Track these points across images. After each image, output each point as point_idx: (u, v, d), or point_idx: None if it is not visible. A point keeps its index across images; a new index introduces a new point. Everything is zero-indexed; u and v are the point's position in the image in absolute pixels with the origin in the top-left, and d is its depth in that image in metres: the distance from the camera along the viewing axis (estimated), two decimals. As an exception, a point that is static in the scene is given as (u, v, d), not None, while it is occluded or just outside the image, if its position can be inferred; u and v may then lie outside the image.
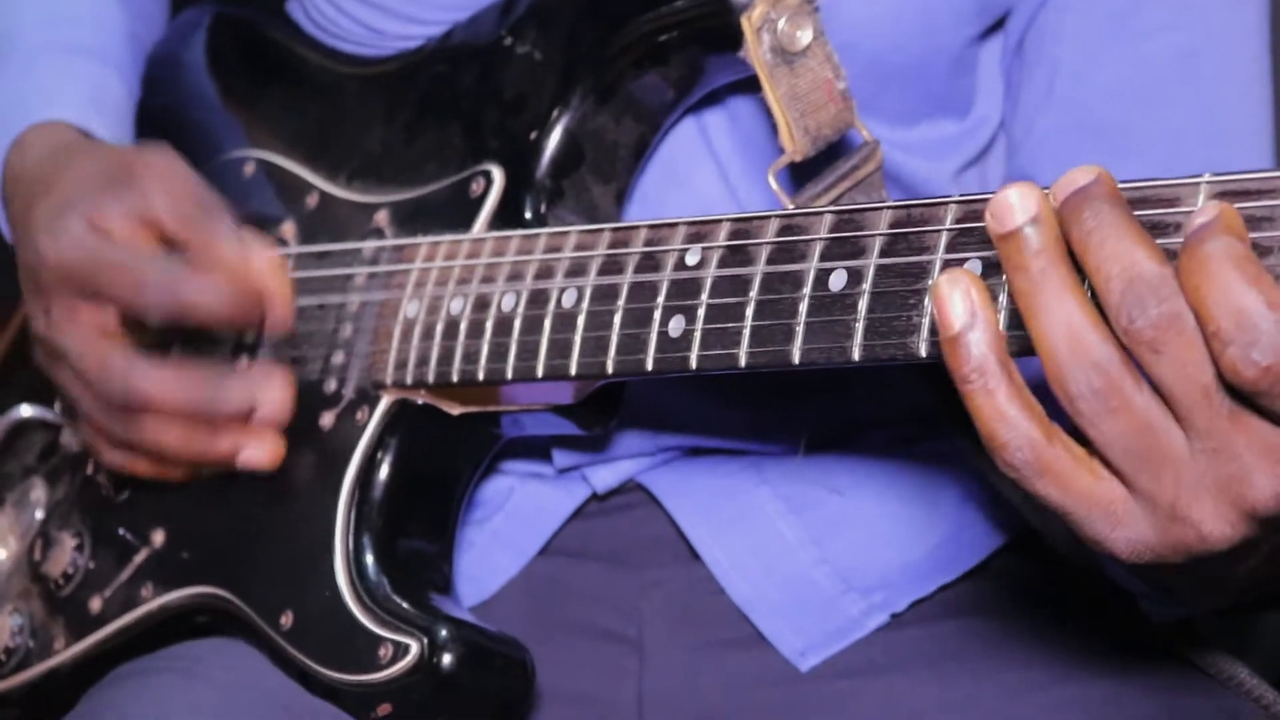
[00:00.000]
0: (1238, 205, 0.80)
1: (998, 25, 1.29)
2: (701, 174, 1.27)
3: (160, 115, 1.47)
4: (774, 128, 1.14)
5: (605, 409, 1.17)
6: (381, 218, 1.26)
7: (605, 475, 1.30)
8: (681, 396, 1.28)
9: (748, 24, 1.11)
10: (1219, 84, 1.26)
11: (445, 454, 1.20)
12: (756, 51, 1.11)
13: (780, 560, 1.29)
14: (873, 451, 1.30)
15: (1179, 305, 0.78)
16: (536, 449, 1.31)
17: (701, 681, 1.29)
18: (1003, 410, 0.82)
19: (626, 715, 1.29)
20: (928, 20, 1.24)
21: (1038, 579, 1.32)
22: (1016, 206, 0.81)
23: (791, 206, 1.12)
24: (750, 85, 1.20)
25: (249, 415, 1.21)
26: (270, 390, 1.22)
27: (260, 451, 1.22)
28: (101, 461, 1.28)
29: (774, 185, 1.13)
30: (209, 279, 1.19)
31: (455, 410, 1.18)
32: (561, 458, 1.30)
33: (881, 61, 1.24)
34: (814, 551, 1.29)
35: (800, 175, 1.16)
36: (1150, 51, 1.24)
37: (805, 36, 1.11)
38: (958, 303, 0.82)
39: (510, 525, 1.32)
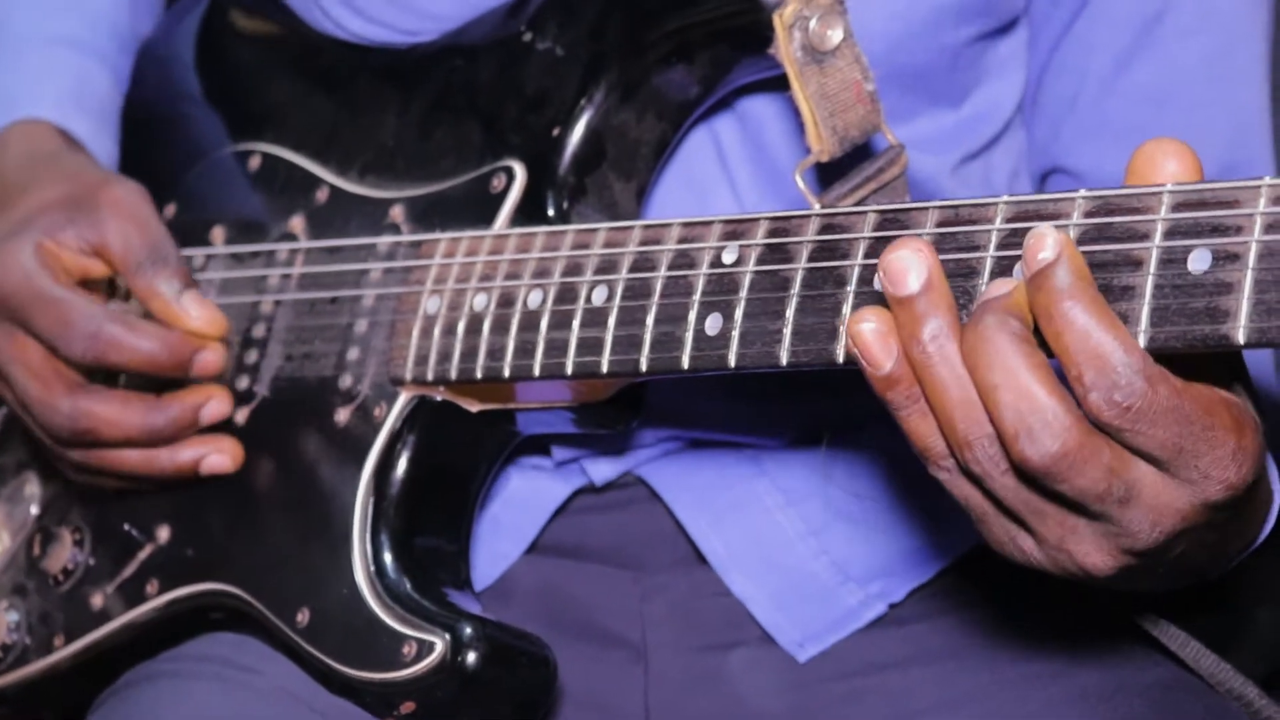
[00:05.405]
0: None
1: (1002, 28, 1.29)
2: (715, 184, 1.26)
3: (152, 107, 1.44)
4: (796, 130, 1.14)
5: (628, 407, 1.16)
6: (397, 213, 1.24)
7: (604, 467, 1.29)
8: (681, 390, 1.27)
9: (779, 21, 1.11)
10: (1241, 84, 1.28)
11: (463, 451, 1.19)
12: (787, 49, 1.11)
13: (779, 552, 1.29)
14: (872, 444, 1.30)
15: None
16: (534, 444, 1.30)
17: (707, 689, 1.29)
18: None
19: None
20: (934, 21, 1.24)
21: (1032, 572, 1.32)
22: (911, 271, 0.86)
23: (818, 206, 1.11)
24: (763, 89, 1.20)
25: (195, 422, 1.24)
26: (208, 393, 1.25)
27: (223, 457, 1.25)
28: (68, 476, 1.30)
29: (801, 185, 1.12)
30: (131, 332, 1.21)
31: (474, 407, 1.17)
32: (560, 452, 1.29)
33: (885, 63, 1.24)
34: (812, 543, 1.29)
35: (825, 177, 1.16)
36: (1178, 56, 1.25)
37: (836, 36, 1.11)
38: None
39: (508, 511, 1.31)
